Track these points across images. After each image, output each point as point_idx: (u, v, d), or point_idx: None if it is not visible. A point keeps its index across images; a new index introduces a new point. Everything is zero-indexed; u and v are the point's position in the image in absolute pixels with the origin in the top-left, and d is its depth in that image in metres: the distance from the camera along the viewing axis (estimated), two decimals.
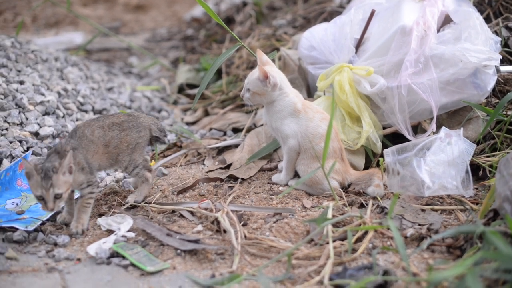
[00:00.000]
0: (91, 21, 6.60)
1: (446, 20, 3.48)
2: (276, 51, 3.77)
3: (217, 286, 2.46)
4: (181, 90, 5.10)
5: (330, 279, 2.47)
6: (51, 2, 5.94)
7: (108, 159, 3.06)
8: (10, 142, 3.48)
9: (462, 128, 3.12)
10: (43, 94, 3.93)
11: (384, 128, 3.50)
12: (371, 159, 3.45)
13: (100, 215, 3.07)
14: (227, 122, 4.21)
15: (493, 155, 3.29)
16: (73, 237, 2.87)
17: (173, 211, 3.11)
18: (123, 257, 2.71)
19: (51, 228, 2.93)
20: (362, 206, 3.07)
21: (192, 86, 5.08)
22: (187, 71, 5.26)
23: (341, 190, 3.19)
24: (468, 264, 2.18)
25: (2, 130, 3.57)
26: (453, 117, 3.49)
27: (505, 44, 3.73)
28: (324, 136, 3.06)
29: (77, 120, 3.94)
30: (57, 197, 2.74)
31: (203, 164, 3.74)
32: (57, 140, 3.62)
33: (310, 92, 4.00)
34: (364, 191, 3.19)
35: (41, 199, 2.75)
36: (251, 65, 4.66)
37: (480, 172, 3.25)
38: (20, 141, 3.49)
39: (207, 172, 3.59)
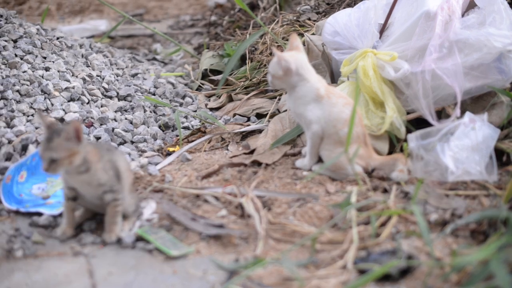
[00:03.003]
0: (116, 8, 6.61)
1: (471, 5, 3.45)
2: (300, 37, 3.76)
3: (241, 270, 2.47)
4: (204, 76, 5.10)
5: (354, 263, 2.48)
6: None
7: None
8: (36, 128, 3.51)
9: (486, 113, 3.10)
10: (68, 81, 3.95)
11: (408, 113, 3.48)
12: (395, 144, 3.43)
13: None
14: (251, 108, 4.21)
15: None
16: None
17: (198, 196, 3.13)
18: (148, 242, 2.73)
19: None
20: (385, 191, 3.06)
21: (216, 72, 5.08)
22: (211, 57, 5.26)
23: (365, 175, 3.19)
24: (492, 249, 2.18)
25: (28, 116, 3.60)
26: (477, 102, 3.46)
27: None
28: (347, 121, 3.06)
29: (101, 106, 3.96)
30: (53, 161, 2.59)
31: (227, 150, 3.75)
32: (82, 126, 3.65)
33: (334, 77, 3.99)
34: (387, 176, 3.18)
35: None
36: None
37: (504, 158, 3.22)
38: None
39: (231, 157, 3.60)
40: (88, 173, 2.67)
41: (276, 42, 4.42)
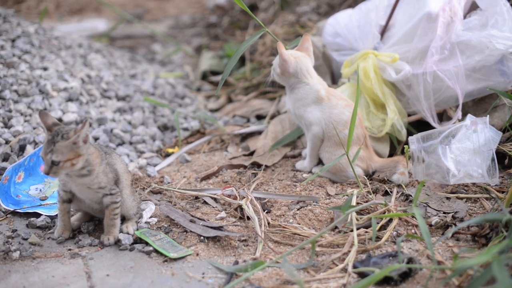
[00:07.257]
0: (115, 7, 6.59)
1: (473, 7, 3.44)
2: (300, 38, 3.74)
3: (241, 273, 2.45)
4: (204, 77, 5.10)
5: (354, 266, 2.46)
6: None
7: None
8: (34, 128, 3.49)
9: (488, 115, 3.08)
10: (66, 81, 3.93)
11: (409, 115, 3.47)
12: (396, 147, 3.42)
13: None
14: (251, 109, 4.19)
15: None
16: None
17: (197, 198, 3.11)
18: (146, 243, 2.71)
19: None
20: (386, 193, 3.05)
21: (215, 73, 5.08)
22: (210, 58, 5.25)
23: (365, 178, 3.17)
24: (493, 252, 2.15)
25: (25, 116, 3.58)
26: (479, 104, 3.45)
27: None
28: (348, 123, 3.05)
29: (100, 106, 3.94)
30: (54, 164, 2.53)
31: (227, 151, 3.73)
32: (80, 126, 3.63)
33: (334, 79, 3.98)
34: (388, 179, 3.16)
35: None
36: (275, 52, 4.64)
37: (506, 160, 3.20)
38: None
39: (230, 158, 3.59)
40: (90, 176, 2.64)
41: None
